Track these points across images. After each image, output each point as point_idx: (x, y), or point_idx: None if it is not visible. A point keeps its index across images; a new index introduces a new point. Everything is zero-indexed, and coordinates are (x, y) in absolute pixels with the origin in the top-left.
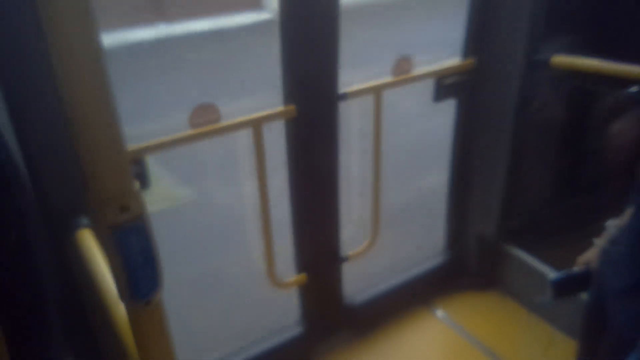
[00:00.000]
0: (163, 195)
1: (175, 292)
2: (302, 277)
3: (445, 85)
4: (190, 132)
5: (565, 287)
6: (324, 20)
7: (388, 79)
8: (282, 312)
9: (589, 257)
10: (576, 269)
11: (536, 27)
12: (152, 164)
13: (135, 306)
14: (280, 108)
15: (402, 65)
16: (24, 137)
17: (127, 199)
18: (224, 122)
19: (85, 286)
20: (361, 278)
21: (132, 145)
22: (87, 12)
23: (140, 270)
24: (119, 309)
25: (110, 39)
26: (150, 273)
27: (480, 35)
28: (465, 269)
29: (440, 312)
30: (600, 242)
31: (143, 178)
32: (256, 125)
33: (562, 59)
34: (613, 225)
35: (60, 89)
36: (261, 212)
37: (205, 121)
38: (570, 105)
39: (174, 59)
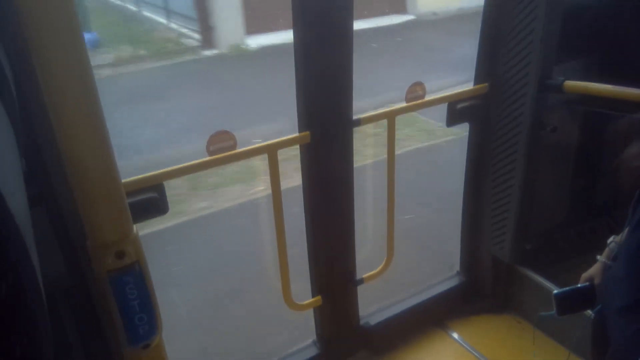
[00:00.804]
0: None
1: (192, 312)
2: (318, 299)
3: (459, 110)
4: (207, 158)
5: (569, 302)
6: (338, 48)
7: (401, 104)
8: (299, 334)
9: (592, 273)
10: (580, 285)
11: (548, 52)
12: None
13: (133, 351)
14: (295, 134)
15: (415, 91)
16: (40, 165)
17: (124, 245)
18: (240, 149)
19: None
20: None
21: (150, 172)
22: (79, 48)
23: (136, 316)
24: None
25: None
26: (148, 318)
27: (492, 60)
28: (479, 291)
29: (455, 334)
30: (602, 259)
31: (162, 203)
32: (271, 151)
33: (575, 84)
34: (615, 241)
35: (54, 130)
36: (277, 235)
37: (222, 148)
38: (584, 128)
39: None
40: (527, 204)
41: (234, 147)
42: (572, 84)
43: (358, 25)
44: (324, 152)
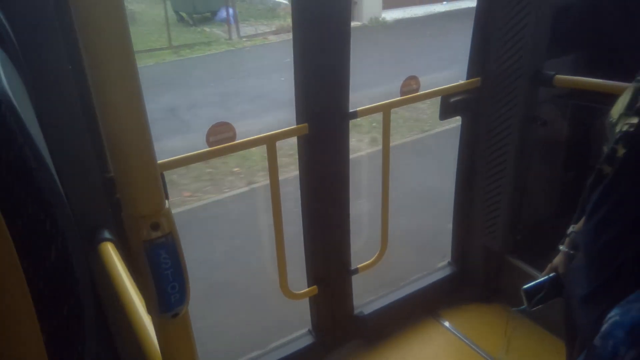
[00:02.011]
0: None
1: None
2: (314, 288)
3: (452, 103)
4: (206, 149)
5: (537, 295)
6: (335, 42)
7: (396, 97)
8: (294, 322)
9: (556, 263)
10: (545, 276)
11: (539, 47)
12: None
13: (163, 319)
14: (293, 126)
15: (410, 84)
16: (50, 151)
17: (158, 218)
18: (239, 140)
19: (106, 297)
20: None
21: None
22: (124, 34)
23: (169, 284)
24: (144, 321)
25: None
26: (179, 287)
27: (485, 54)
28: (471, 280)
29: (446, 323)
30: (564, 248)
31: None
32: (270, 143)
33: (565, 78)
34: (574, 231)
35: (97, 112)
36: (274, 226)
37: (221, 139)
38: (574, 121)
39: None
40: (518, 195)
41: (233, 138)
42: (562, 78)
43: (414, 11)
44: (322, 144)
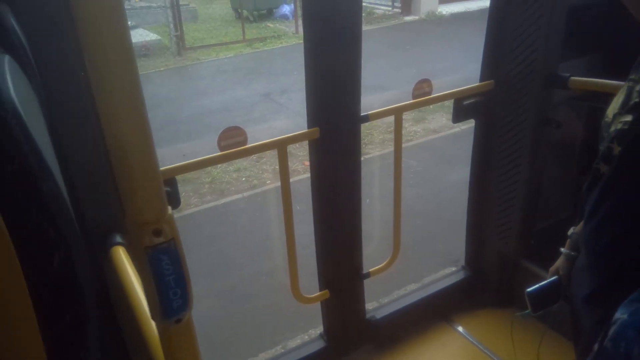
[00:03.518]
0: None
1: (201, 303)
2: (325, 292)
3: (465, 106)
4: (219, 153)
5: (541, 298)
6: (347, 46)
7: (408, 101)
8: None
9: (558, 265)
10: (548, 279)
11: (553, 49)
12: None
13: (166, 324)
14: (304, 130)
15: (422, 87)
16: (62, 156)
17: (160, 224)
18: (250, 144)
19: (118, 301)
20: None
21: (163, 167)
22: (125, 42)
23: (171, 290)
24: (151, 326)
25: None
26: (181, 293)
27: (498, 57)
28: (485, 285)
29: (460, 328)
30: (565, 250)
31: (174, 198)
32: (281, 147)
33: (580, 80)
34: (575, 232)
35: (100, 118)
36: (286, 229)
37: (233, 143)
38: (590, 124)
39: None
40: (532, 199)
41: (244, 142)
42: (577, 80)
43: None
44: (333, 148)
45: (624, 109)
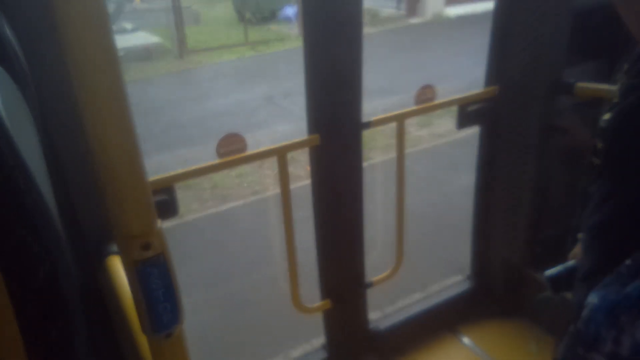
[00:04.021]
0: None
1: (202, 313)
2: (327, 302)
3: (469, 113)
4: (217, 161)
5: (560, 281)
6: (348, 51)
7: (411, 107)
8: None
9: (576, 251)
10: (568, 263)
11: (559, 55)
12: None
13: (156, 339)
14: (304, 137)
15: (425, 93)
16: (57, 165)
17: (149, 238)
18: (249, 152)
19: (113, 311)
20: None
21: (160, 175)
22: (110, 48)
23: (160, 305)
24: (144, 338)
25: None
26: (171, 307)
27: (503, 62)
28: (490, 295)
29: (465, 339)
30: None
31: (172, 206)
32: (281, 154)
33: (587, 86)
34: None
35: (85, 129)
36: (286, 238)
37: (232, 150)
38: (595, 130)
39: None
40: (538, 207)
41: (243, 149)
42: (584, 85)
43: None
44: (334, 155)
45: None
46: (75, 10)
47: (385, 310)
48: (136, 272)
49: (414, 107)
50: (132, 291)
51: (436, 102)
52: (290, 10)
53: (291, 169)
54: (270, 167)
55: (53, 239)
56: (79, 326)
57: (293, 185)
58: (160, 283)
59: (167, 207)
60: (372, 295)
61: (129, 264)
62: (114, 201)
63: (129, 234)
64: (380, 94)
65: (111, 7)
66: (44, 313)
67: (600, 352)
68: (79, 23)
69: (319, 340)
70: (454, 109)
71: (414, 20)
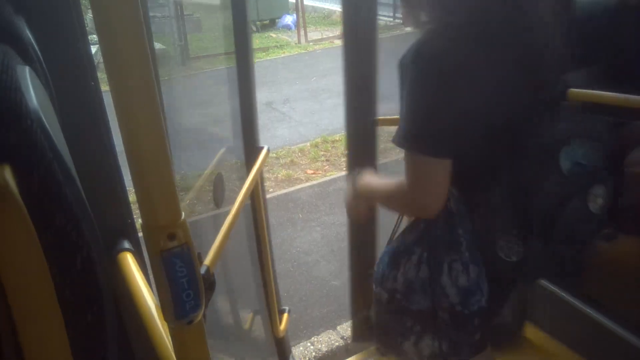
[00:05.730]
0: None
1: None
2: None
3: None
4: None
5: None
6: (363, 51)
7: None
8: None
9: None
10: None
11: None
12: None
13: (178, 326)
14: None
15: None
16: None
17: (174, 229)
18: None
19: (124, 306)
20: None
21: None
22: (144, 49)
23: (184, 292)
24: (160, 329)
25: None
26: (194, 295)
27: None
28: None
29: None
30: None
31: None
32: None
33: (579, 92)
34: None
35: (119, 126)
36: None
37: None
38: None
39: None
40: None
41: None
42: (576, 92)
43: None
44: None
45: None
46: (114, 15)
47: None
48: (162, 261)
49: None
50: (156, 280)
51: None
52: (290, 19)
53: (291, 173)
54: (270, 170)
55: (89, 228)
56: (110, 312)
57: (293, 188)
58: (185, 271)
59: None
60: None
61: (155, 253)
62: (143, 192)
63: (155, 225)
64: (382, 99)
65: None
66: (81, 298)
67: (384, 288)
68: (117, 27)
69: None
70: None
71: (411, 29)
